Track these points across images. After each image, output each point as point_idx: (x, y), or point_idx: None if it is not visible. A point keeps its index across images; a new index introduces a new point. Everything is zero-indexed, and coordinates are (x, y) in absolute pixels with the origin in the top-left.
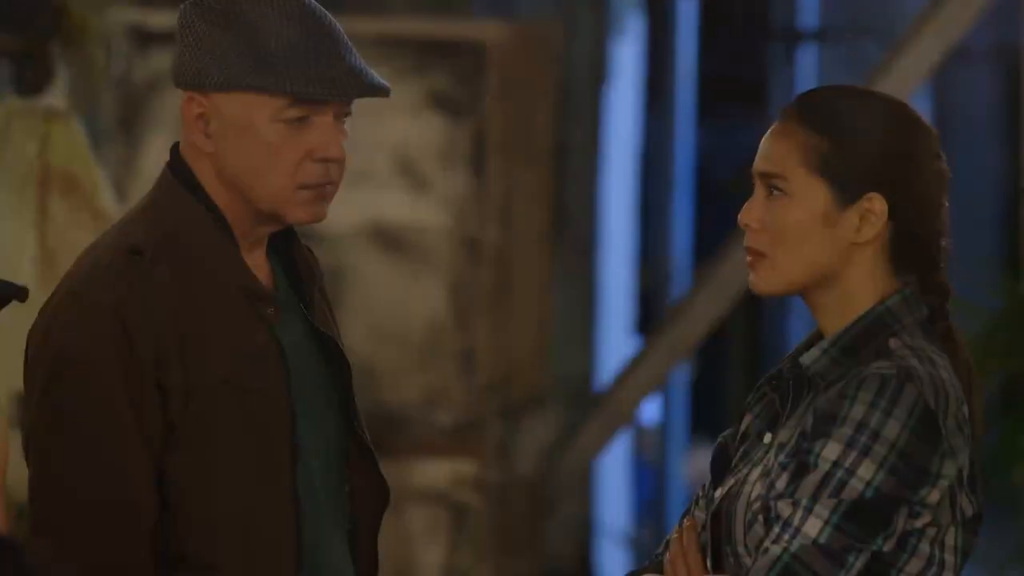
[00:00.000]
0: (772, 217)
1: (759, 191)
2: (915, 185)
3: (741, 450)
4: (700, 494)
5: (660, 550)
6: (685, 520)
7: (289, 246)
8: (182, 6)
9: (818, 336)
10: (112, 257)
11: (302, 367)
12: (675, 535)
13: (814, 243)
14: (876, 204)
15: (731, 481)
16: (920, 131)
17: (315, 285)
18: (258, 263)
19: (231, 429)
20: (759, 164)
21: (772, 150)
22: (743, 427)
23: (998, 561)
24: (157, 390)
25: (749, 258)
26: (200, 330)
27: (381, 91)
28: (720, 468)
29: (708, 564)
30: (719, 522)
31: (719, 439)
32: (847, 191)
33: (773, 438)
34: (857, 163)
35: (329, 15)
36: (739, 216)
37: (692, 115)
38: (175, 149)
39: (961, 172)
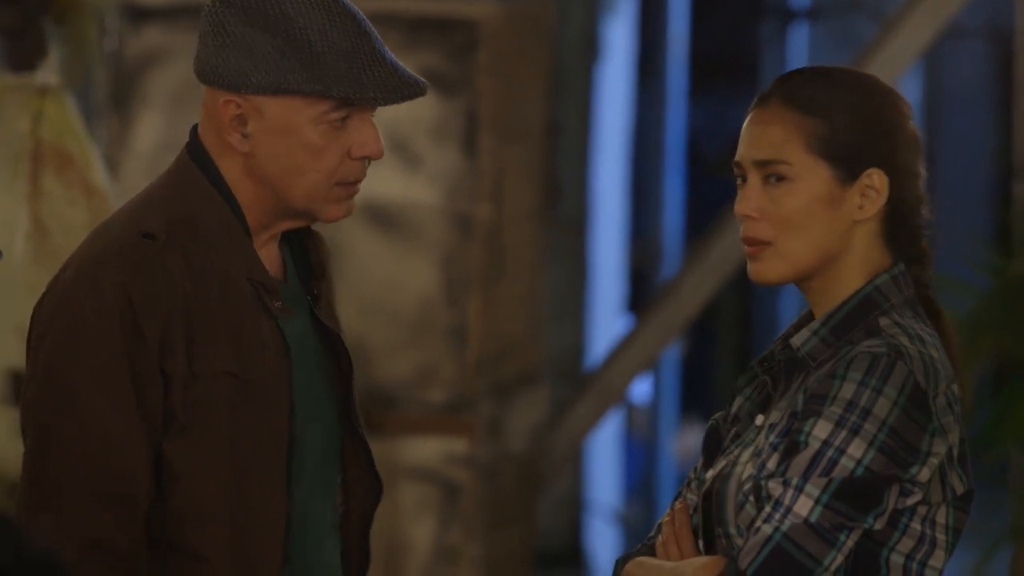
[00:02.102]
0: (775, 205)
1: (754, 180)
2: (902, 155)
3: (733, 432)
4: (692, 476)
5: (652, 533)
6: (676, 503)
7: (302, 236)
8: (209, 2)
9: (808, 317)
10: (125, 239)
11: (305, 361)
12: (667, 518)
13: (821, 226)
14: (876, 179)
15: (723, 462)
16: (897, 100)
17: (324, 278)
18: (271, 256)
19: (230, 420)
20: (753, 153)
21: (767, 137)
22: (734, 409)
23: (988, 540)
24: (160, 374)
25: (751, 248)
26: (206, 319)
27: (423, 90)
28: (711, 450)
29: (700, 545)
30: (710, 503)
31: (711, 421)
32: (848, 170)
33: (765, 420)
34: (854, 140)
35: (359, 11)
36: (736, 207)
37: (684, 93)
38: (194, 134)
39: (953, 150)
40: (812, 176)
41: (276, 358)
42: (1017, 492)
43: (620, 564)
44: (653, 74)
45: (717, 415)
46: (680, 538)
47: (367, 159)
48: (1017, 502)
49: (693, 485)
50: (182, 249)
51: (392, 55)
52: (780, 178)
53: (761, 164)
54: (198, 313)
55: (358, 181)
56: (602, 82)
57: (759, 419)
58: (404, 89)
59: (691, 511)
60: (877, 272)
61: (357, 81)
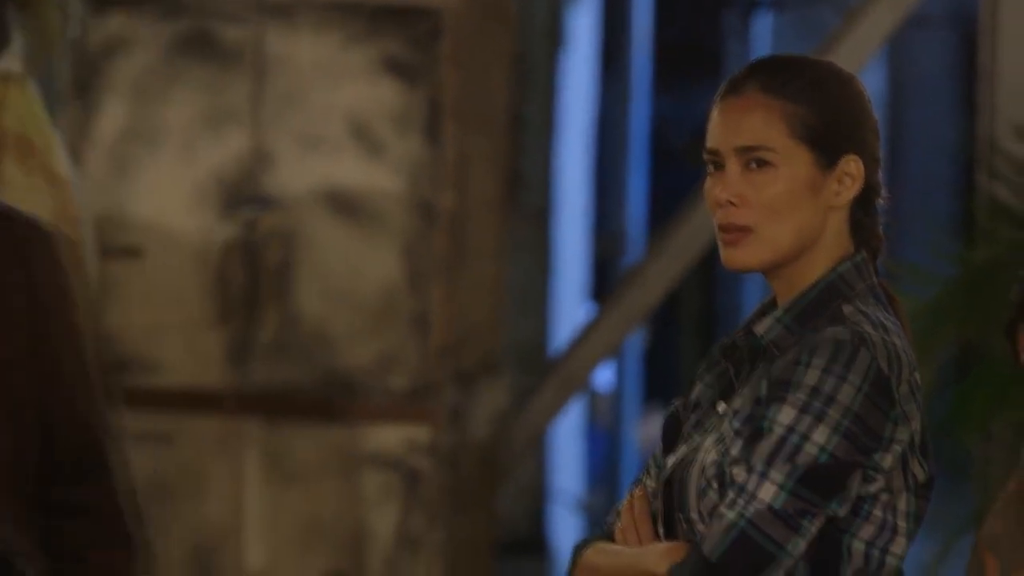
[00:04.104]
0: (756, 191)
1: (733, 166)
2: (872, 142)
3: (693, 419)
4: (650, 463)
5: (610, 519)
6: (635, 489)
7: None
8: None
9: (771, 304)
10: None
11: None
12: (625, 504)
13: (802, 212)
14: (853, 166)
15: (684, 449)
16: (862, 87)
17: None
18: None
19: None
20: (734, 139)
21: (749, 123)
22: (694, 396)
23: (950, 527)
24: None
25: (728, 235)
26: None
27: None
28: (671, 437)
29: (660, 531)
30: (672, 489)
31: (670, 408)
32: (828, 156)
33: (727, 407)
34: (834, 126)
35: None
36: (713, 194)
37: (648, 83)
38: None
39: (917, 139)
40: (795, 162)
41: None
42: (979, 480)
43: (579, 550)
44: (617, 64)
45: (676, 402)
46: (639, 524)
47: None
48: (979, 490)
49: (652, 472)
50: None
51: None
52: (762, 164)
53: (743, 150)
54: None
55: None
56: (566, 71)
57: (720, 406)
58: None
59: (650, 498)
60: (841, 260)
61: None
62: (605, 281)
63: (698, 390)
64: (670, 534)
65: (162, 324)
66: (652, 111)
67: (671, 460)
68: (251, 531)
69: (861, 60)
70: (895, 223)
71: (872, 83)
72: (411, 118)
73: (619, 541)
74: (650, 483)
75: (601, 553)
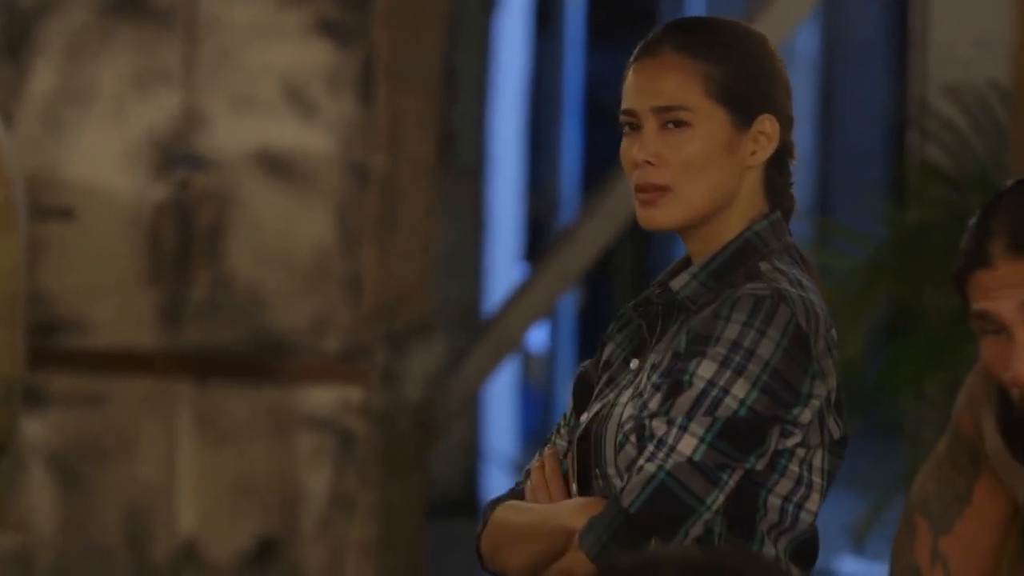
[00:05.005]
0: (673, 150)
1: (650, 126)
2: (785, 102)
3: (605, 377)
4: (561, 423)
5: (520, 479)
6: (546, 449)
7: None
8: None
9: (685, 263)
10: None
11: None
12: (536, 464)
13: (719, 171)
14: (768, 125)
15: (597, 406)
16: (772, 48)
17: None
18: None
19: None
20: (651, 100)
21: (665, 84)
22: (605, 356)
23: (882, 488)
24: None
25: (646, 195)
26: None
27: None
28: (582, 397)
29: (574, 489)
30: (588, 445)
31: (580, 368)
32: (744, 115)
33: (641, 363)
34: (749, 86)
35: None
36: (630, 155)
37: (582, 42)
38: None
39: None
40: (711, 121)
41: None
42: (911, 440)
43: (490, 509)
44: (551, 23)
45: (586, 363)
46: (550, 482)
47: None
48: (911, 450)
49: (563, 431)
50: None
51: None
52: (679, 124)
53: (660, 110)
54: None
55: None
56: (499, 30)
57: (634, 363)
58: None
59: (561, 457)
60: (756, 218)
61: None
62: (539, 242)
63: (609, 350)
64: (586, 490)
65: (94, 285)
66: (586, 71)
67: (585, 417)
68: (183, 492)
69: (793, 22)
70: (829, 185)
71: (805, 46)
72: (344, 79)
73: (530, 500)
74: (561, 443)
75: (512, 510)
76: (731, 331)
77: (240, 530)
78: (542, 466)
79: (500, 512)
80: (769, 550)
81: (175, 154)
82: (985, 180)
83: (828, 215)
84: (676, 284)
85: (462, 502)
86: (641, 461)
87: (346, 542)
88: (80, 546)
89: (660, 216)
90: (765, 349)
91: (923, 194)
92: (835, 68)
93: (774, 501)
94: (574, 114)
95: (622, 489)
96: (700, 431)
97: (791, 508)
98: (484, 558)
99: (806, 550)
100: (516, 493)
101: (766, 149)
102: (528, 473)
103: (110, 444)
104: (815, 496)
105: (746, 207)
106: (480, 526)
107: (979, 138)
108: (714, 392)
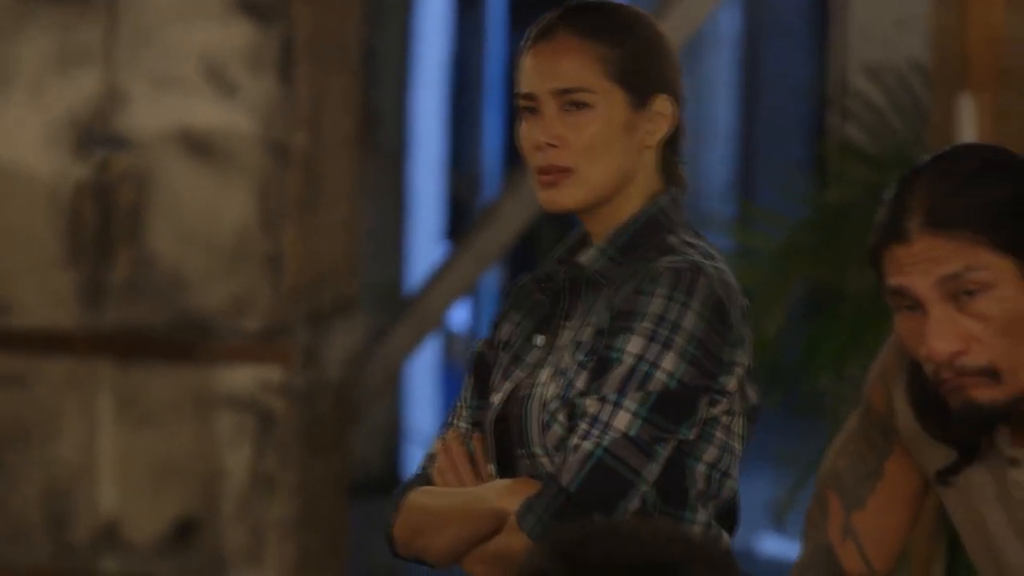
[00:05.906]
0: (574, 132)
1: (550, 109)
2: (679, 82)
3: (508, 356)
4: (460, 405)
5: (424, 463)
6: (448, 432)
7: None
8: None
9: (581, 240)
10: None
11: None
12: (439, 447)
13: (618, 151)
14: (664, 105)
15: (508, 385)
16: (663, 29)
17: None
18: None
19: None
20: (551, 83)
21: (564, 66)
22: (504, 335)
23: (802, 467)
24: None
25: (548, 177)
26: None
27: None
28: (482, 376)
29: (491, 469)
30: (507, 426)
31: (475, 349)
32: (641, 95)
33: (548, 339)
34: (645, 66)
35: None
36: (531, 137)
37: (504, 22)
38: None
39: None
40: (611, 102)
41: None
42: (832, 419)
43: (402, 493)
44: (473, 4)
45: (480, 342)
46: (458, 465)
47: None
48: (833, 428)
49: (465, 413)
50: None
51: None
52: (580, 105)
53: (560, 92)
54: None
55: None
56: (421, 9)
57: (538, 339)
58: None
59: (466, 439)
60: (656, 194)
61: None
62: (461, 222)
63: (506, 329)
64: (508, 471)
65: (14, 265)
66: (507, 51)
67: (497, 397)
68: (104, 473)
69: (714, 2)
70: (750, 164)
71: (727, 24)
72: (264, 58)
73: (438, 483)
74: (463, 425)
75: (428, 495)
76: (655, 306)
77: (161, 510)
78: (447, 448)
79: (416, 497)
80: (701, 517)
81: (95, 134)
82: (905, 159)
83: (749, 194)
84: (584, 259)
85: (384, 481)
86: (576, 440)
87: (267, 522)
88: (0, 526)
89: (563, 197)
90: (689, 321)
91: (843, 173)
92: (757, 47)
93: (702, 469)
94: (495, 94)
95: (559, 468)
96: (634, 406)
97: (717, 475)
98: (398, 543)
99: (730, 515)
100: (423, 478)
101: (663, 128)
102: (432, 457)
103: (31, 425)
104: (735, 462)
105: (644, 186)
106: (391, 512)
107: (899, 117)
108: (644, 367)
